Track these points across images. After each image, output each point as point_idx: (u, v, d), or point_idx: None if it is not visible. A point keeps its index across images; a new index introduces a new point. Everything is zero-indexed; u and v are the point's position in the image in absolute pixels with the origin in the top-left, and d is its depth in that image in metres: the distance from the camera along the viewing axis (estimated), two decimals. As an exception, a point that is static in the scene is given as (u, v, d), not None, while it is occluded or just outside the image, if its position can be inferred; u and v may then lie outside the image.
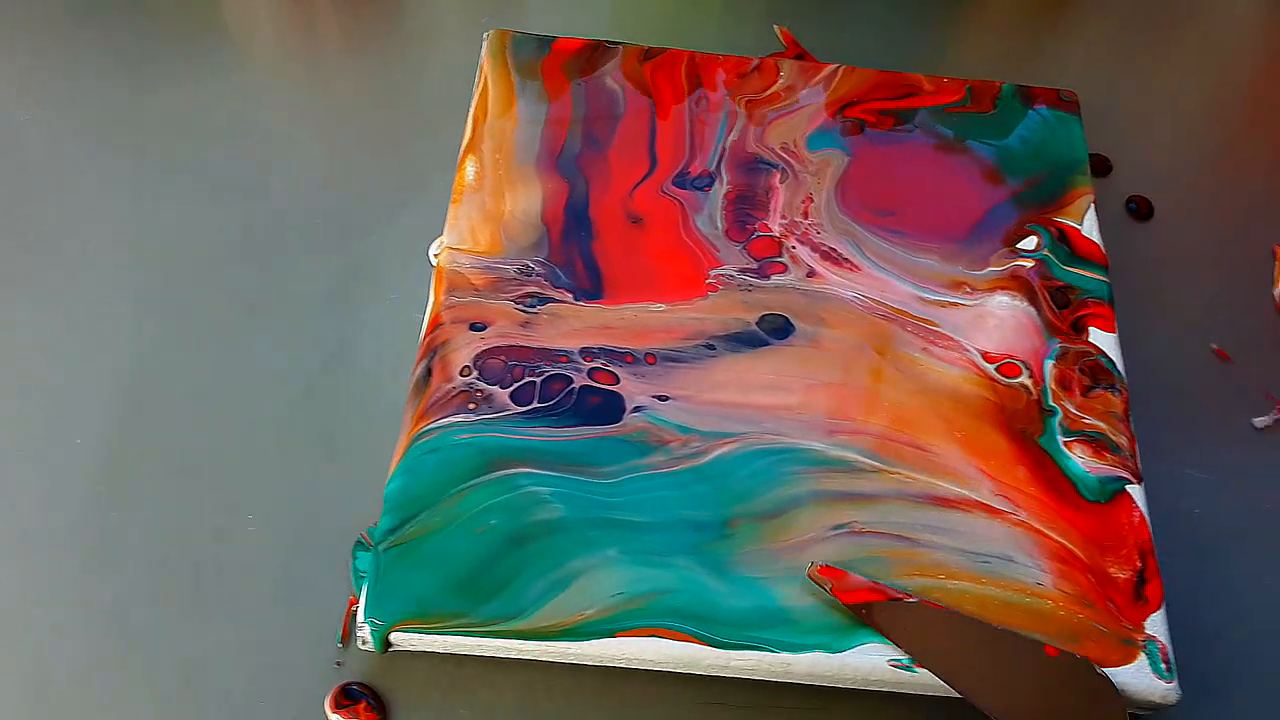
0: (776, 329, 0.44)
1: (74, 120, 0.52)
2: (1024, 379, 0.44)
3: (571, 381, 0.43)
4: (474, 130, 0.49)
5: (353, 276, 0.48)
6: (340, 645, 0.40)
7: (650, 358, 0.43)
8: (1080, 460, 0.42)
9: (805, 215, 0.47)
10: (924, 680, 0.38)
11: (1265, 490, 0.45)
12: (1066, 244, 0.47)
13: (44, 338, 0.46)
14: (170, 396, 0.45)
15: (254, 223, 0.50)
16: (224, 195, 0.50)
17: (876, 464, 0.41)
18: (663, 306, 0.45)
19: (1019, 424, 0.43)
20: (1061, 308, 0.45)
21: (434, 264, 0.47)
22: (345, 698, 0.38)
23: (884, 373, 0.43)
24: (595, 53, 0.52)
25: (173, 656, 0.39)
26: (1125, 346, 0.45)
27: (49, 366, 0.45)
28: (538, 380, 0.43)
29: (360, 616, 0.38)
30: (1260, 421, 0.47)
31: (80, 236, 0.49)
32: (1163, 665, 0.38)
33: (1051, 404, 0.43)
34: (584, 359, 0.43)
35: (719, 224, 0.47)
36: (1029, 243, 0.47)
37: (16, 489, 0.42)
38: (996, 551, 0.40)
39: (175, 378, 0.45)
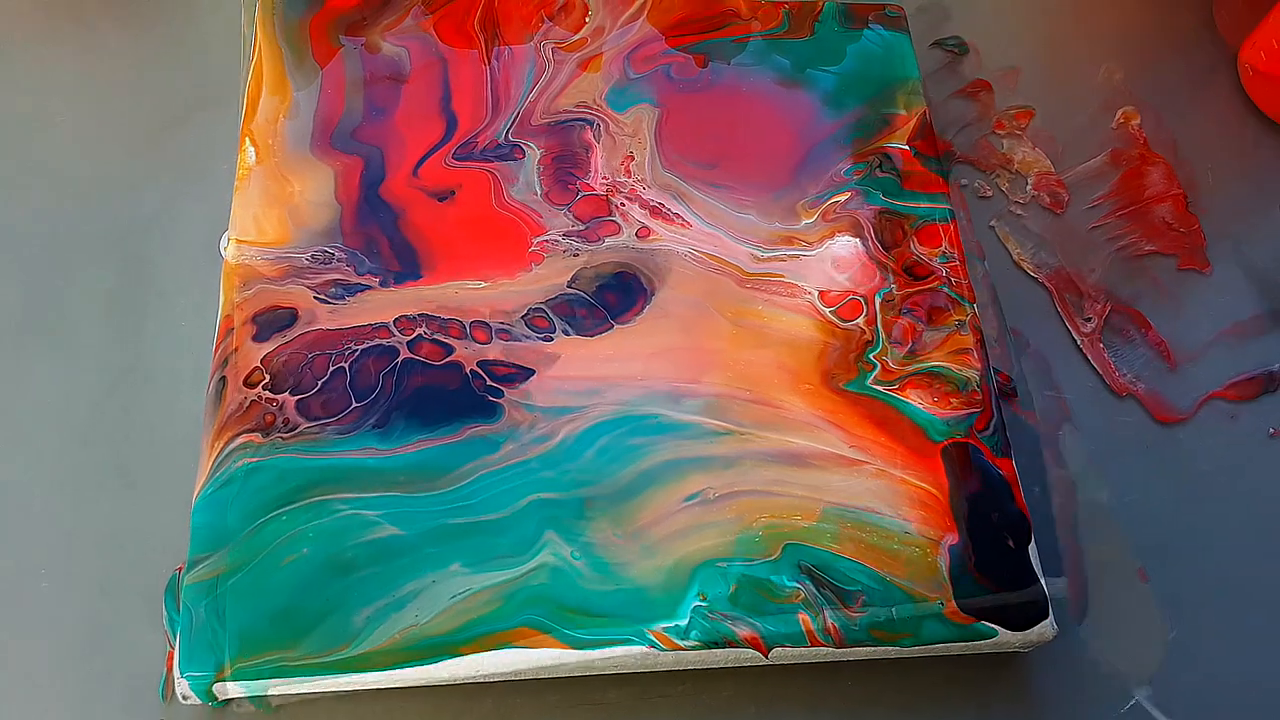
0: (613, 294, 0.41)
1: None
2: (861, 320, 0.42)
3: (395, 355, 0.39)
4: (249, 107, 0.44)
5: (135, 282, 0.43)
6: (164, 702, 0.36)
7: (479, 332, 0.40)
8: (922, 404, 0.40)
9: (628, 174, 0.44)
10: (802, 652, 0.36)
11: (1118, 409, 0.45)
12: (895, 171, 0.46)
13: None
14: (-68, 445, 0.39)
15: (9, 229, 0.44)
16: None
17: (726, 424, 0.39)
18: (484, 283, 0.41)
19: (857, 371, 0.41)
20: (891, 246, 0.43)
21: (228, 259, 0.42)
22: (177, 762, 0.35)
23: (724, 330, 0.41)
24: (373, 7, 0.47)
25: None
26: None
27: None
28: (347, 365, 0.39)
29: (176, 670, 0.34)
30: (1086, 327, 0.46)
31: None
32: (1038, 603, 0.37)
33: (886, 346, 0.41)
34: (402, 332, 0.39)
35: (537, 188, 0.44)
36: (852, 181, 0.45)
37: None
38: (859, 504, 0.38)
39: (-65, 423, 0.40)
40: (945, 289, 0.42)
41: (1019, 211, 0.49)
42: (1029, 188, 0.50)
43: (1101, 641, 0.39)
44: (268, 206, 0.42)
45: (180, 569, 0.37)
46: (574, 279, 0.42)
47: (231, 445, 0.37)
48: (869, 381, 0.40)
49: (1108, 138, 0.51)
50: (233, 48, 0.48)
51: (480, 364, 0.40)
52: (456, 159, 0.44)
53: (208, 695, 0.34)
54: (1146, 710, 0.38)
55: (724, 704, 0.37)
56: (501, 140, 0.45)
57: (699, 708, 0.37)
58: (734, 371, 0.40)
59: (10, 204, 0.44)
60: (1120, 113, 0.52)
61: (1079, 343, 0.46)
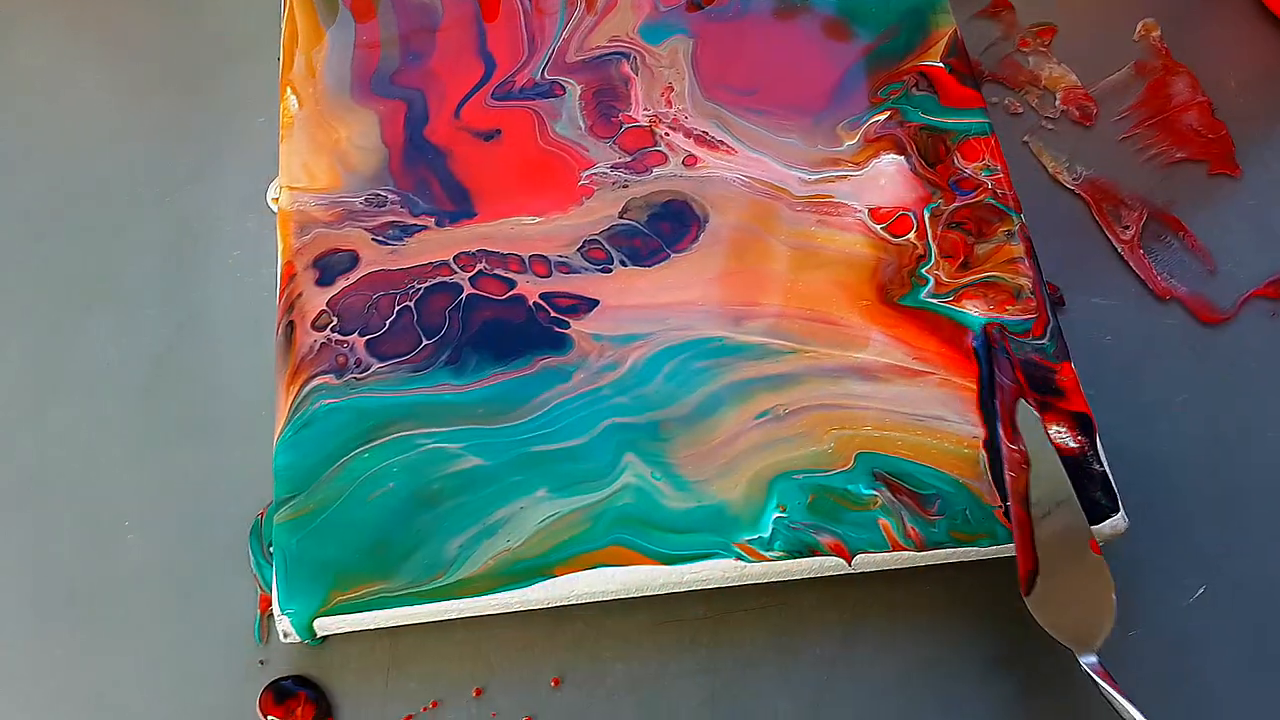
0: (666, 223, 0.42)
1: None
2: (912, 235, 0.42)
3: (459, 292, 0.39)
4: (287, 57, 0.44)
5: (183, 236, 0.43)
6: (260, 643, 0.36)
7: (539, 265, 0.40)
8: (979, 312, 0.41)
9: (669, 104, 0.45)
10: (884, 558, 0.37)
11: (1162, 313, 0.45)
12: (932, 89, 0.46)
13: None
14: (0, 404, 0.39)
15: (54, 195, 0.43)
16: (12, 165, 0.44)
17: (790, 344, 0.40)
18: (538, 218, 0.42)
19: (911, 285, 0.41)
20: (935, 161, 0.44)
21: (274, 209, 0.42)
22: (278, 697, 0.35)
23: (779, 252, 0.41)
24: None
25: (75, 693, 0.35)
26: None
27: None
28: (413, 304, 0.39)
29: (277, 607, 0.34)
30: (1125, 234, 0.47)
31: None
32: (1107, 499, 0.37)
33: (938, 259, 0.42)
34: (463, 269, 0.40)
35: (581, 123, 0.44)
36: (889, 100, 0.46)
37: None
38: (927, 411, 0.39)
39: (1, 383, 0.40)
40: (991, 201, 0.43)
41: (1050, 126, 0.50)
42: (1057, 103, 0.50)
43: (1166, 538, 0.40)
44: (316, 153, 0.42)
45: (262, 513, 0.37)
46: (625, 210, 0.42)
47: (307, 388, 0.37)
48: (923, 295, 0.41)
49: (1130, 50, 0.52)
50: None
51: (543, 296, 0.40)
52: (496, 99, 0.44)
53: (308, 631, 0.34)
54: (1210, 603, 0.39)
55: (807, 614, 0.38)
56: (539, 79, 0.45)
57: (784, 619, 0.38)
58: (791, 292, 0.41)
59: (52, 165, 0.44)
60: (1140, 25, 0.52)
61: (1119, 250, 0.46)
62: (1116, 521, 0.37)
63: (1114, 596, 0.36)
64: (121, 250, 0.42)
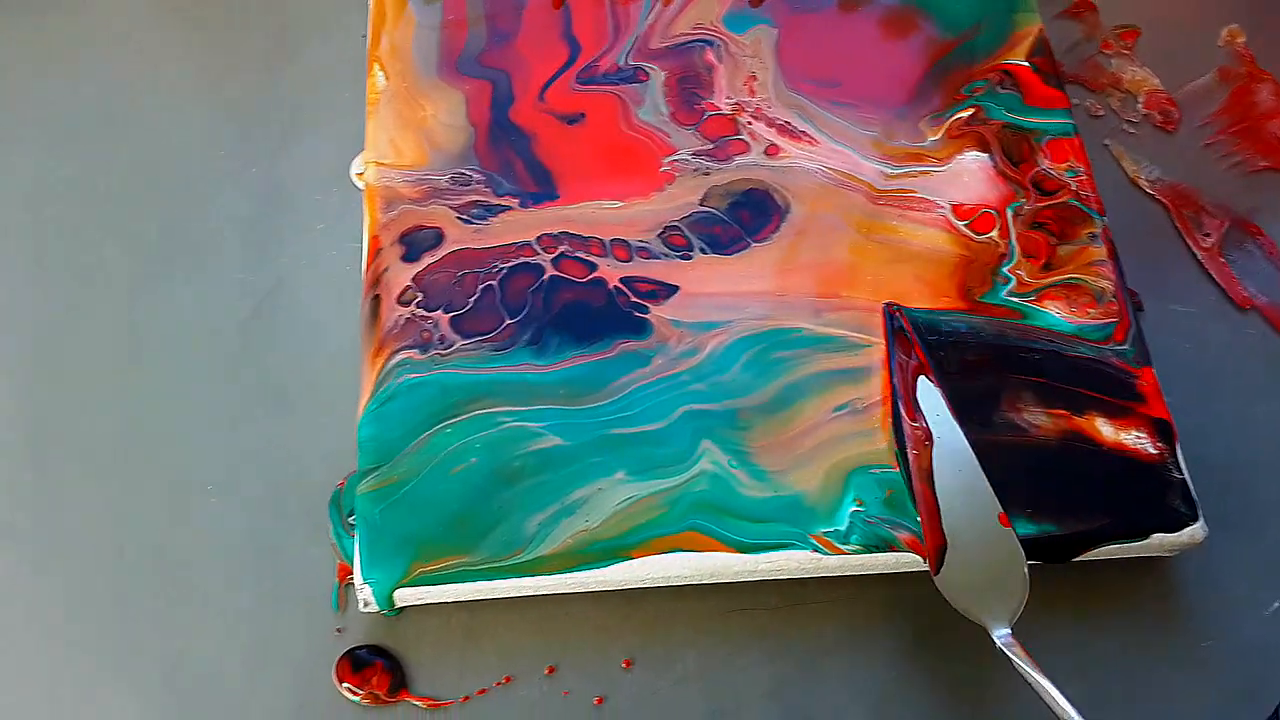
0: (746, 212, 0.42)
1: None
2: (994, 234, 0.42)
3: (541, 273, 0.39)
4: (374, 33, 0.45)
5: (267, 208, 0.43)
6: (337, 611, 0.36)
7: (619, 250, 0.40)
8: (1060, 314, 0.40)
9: (752, 94, 0.45)
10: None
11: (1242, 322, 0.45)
12: (1016, 88, 0.46)
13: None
14: (86, 366, 0.40)
15: (143, 164, 0.44)
16: (99, 135, 0.45)
17: (870, 337, 0.40)
18: (619, 203, 0.42)
19: (992, 283, 0.41)
20: (1019, 160, 0.44)
21: (358, 185, 0.43)
22: (355, 665, 0.35)
23: (860, 245, 0.41)
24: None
25: (150, 652, 0.35)
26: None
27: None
28: (496, 283, 0.39)
29: (358, 577, 0.34)
30: (1206, 241, 0.46)
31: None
32: (1186, 507, 0.37)
33: (1020, 259, 0.41)
34: (546, 250, 0.40)
35: (664, 110, 0.44)
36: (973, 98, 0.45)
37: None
38: (1007, 410, 0.38)
39: (88, 345, 0.40)
40: (1075, 202, 0.43)
41: (1131, 130, 0.49)
42: (1140, 106, 0.50)
43: (1243, 548, 0.39)
44: (402, 130, 0.42)
45: (342, 484, 0.38)
46: (706, 197, 0.42)
47: (392, 362, 0.37)
48: (1004, 294, 0.41)
49: (1214, 56, 0.51)
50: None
51: (623, 280, 0.40)
52: (580, 83, 0.44)
53: (388, 602, 0.35)
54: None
55: (877, 610, 0.38)
56: (623, 64, 0.45)
57: (854, 614, 0.38)
58: (872, 285, 0.41)
59: (140, 134, 0.45)
60: (1225, 30, 0.52)
61: (1199, 257, 0.46)
62: (1195, 530, 0.37)
63: (1025, 569, 0.35)
64: (208, 219, 0.43)
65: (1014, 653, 0.34)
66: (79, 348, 0.40)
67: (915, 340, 0.39)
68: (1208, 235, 0.47)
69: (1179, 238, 0.46)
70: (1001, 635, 0.34)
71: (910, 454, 0.37)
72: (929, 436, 0.37)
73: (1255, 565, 0.39)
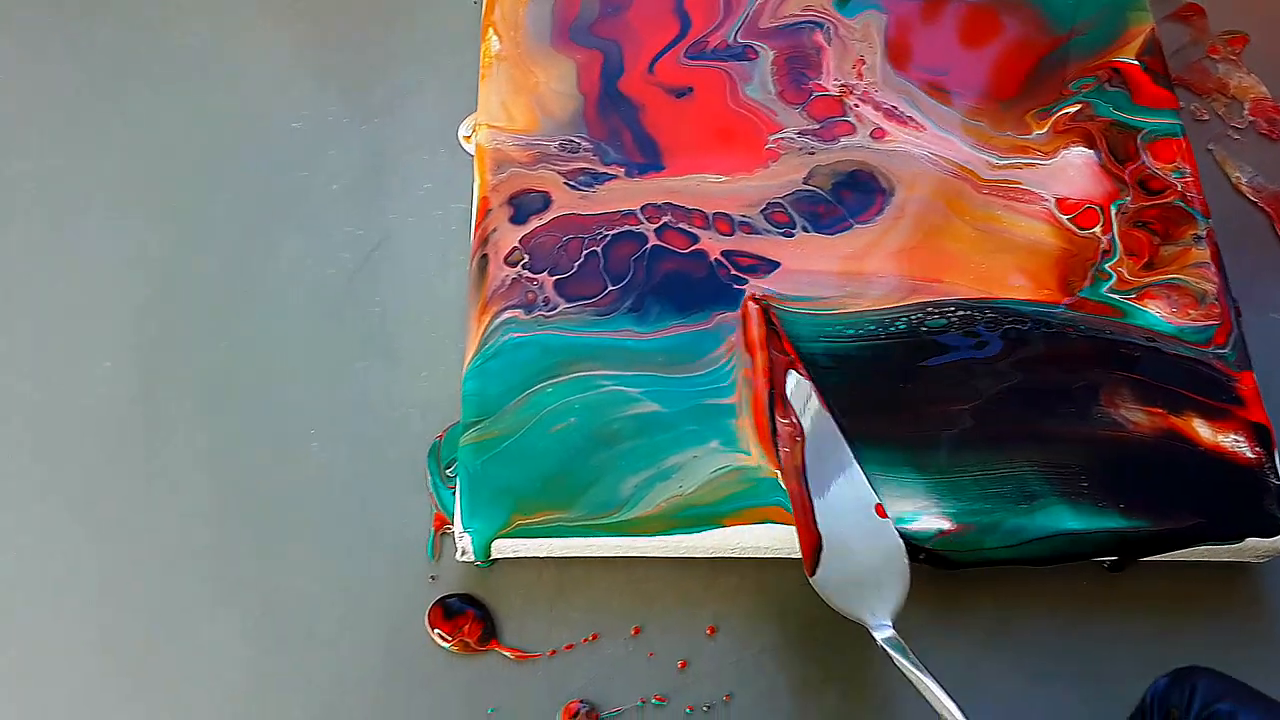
0: (850, 193, 0.42)
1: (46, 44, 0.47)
2: (1097, 229, 0.42)
3: (644, 242, 0.40)
4: (489, 1, 0.45)
5: (378, 168, 0.44)
6: (431, 559, 0.37)
7: (722, 223, 0.41)
8: (1160, 314, 0.40)
9: (860, 77, 0.45)
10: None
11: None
12: (1125, 86, 0.45)
13: (54, 261, 0.42)
14: (197, 311, 0.41)
15: (255, 118, 0.45)
16: (214, 89, 0.46)
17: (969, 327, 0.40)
18: (724, 177, 0.42)
19: (1093, 278, 0.41)
20: (1125, 159, 0.43)
21: (464, 147, 0.43)
22: (447, 613, 0.36)
23: (963, 233, 0.41)
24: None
25: (249, 588, 0.36)
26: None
27: (65, 289, 0.41)
28: (600, 249, 0.40)
29: (458, 526, 0.35)
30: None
31: (78, 154, 0.44)
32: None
33: (1123, 256, 0.41)
34: (649, 220, 0.40)
35: (772, 88, 0.44)
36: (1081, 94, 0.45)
37: (48, 419, 0.39)
38: (1105, 405, 0.38)
39: (199, 290, 0.41)
40: (1180, 203, 0.42)
41: (1235, 136, 0.49)
42: (1245, 112, 0.49)
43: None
44: (515, 94, 0.43)
45: (441, 436, 0.39)
46: (810, 176, 0.42)
47: (498, 320, 0.38)
48: (1104, 290, 0.41)
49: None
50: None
51: (724, 253, 0.40)
52: (690, 57, 0.45)
53: (485, 552, 0.35)
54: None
55: (963, 592, 0.38)
56: (732, 41, 0.45)
57: (940, 594, 0.38)
58: (973, 273, 0.41)
59: (258, 92, 0.46)
60: (1337, 41, 0.51)
61: (1300, 267, 0.46)
62: (1291, 535, 0.37)
63: (905, 561, 0.35)
64: (318, 174, 0.44)
65: (897, 650, 0.33)
66: (194, 292, 0.41)
67: (783, 334, 0.38)
68: (1310, 245, 0.46)
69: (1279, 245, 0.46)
70: (884, 633, 0.33)
71: (781, 451, 0.36)
72: (800, 432, 0.36)
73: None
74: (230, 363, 0.40)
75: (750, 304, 0.38)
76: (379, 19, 0.48)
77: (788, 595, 0.37)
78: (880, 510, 0.36)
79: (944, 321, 0.39)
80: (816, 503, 0.36)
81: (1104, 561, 0.38)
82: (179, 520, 0.37)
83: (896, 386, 0.38)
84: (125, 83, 0.46)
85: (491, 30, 0.44)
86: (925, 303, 0.40)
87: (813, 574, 0.35)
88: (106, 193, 0.43)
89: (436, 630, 0.36)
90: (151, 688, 0.35)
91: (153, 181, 0.43)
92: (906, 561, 0.35)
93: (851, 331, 0.39)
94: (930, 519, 0.36)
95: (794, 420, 0.37)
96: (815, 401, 0.37)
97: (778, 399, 0.37)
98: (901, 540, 0.35)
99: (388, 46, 0.47)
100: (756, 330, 0.38)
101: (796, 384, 0.38)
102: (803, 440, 0.36)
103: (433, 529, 0.37)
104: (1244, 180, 0.48)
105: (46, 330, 0.40)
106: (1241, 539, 0.37)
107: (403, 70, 0.46)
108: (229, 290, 0.41)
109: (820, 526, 0.35)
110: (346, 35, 0.47)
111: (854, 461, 0.36)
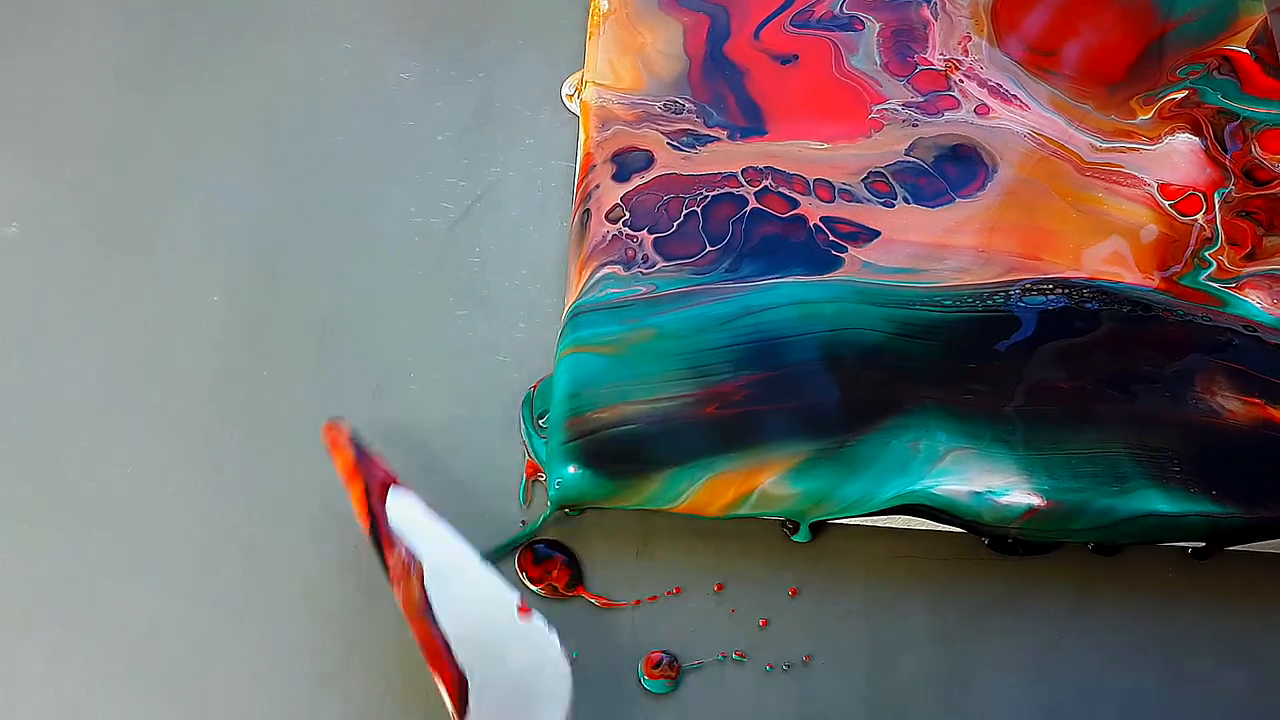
0: (952, 166, 0.42)
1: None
2: (1200, 217, 0.41)
3: (744, 204, 0.40)
4: (598, -40, 0.46)
5: (482, 122, 0.45)
6: (524, 505, 0.38)
7: (822, 190, 0.41)
8: (1261, 304, 0.40)
9: (965, 53, 0.44)
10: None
11: None
12: (1234, 74, 0.45)
13: (168, 198, 0.43)
14: (303, 251, 0.42)
15: (365, 72, 0.46)
16: (328, 41, 0.47)
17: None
18: (826, 145, 0.42)
19: (1193, 265, 0.41)
20: (1231, 147, 0.43)
21: (567, 105, 0.44)
22: (536, 558, 0.37)
23: (1064, 212, 0.41)
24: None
25: (342, 518, 0.37)
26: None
27: (175, 223, 0.43)
28: (699, 210, 0.40)
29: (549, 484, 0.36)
30: None
31: (198, 103, 0.45)
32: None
33: (1224, 245, 0.41)
34: (750, 183, 0.41)
35: (877, 59, 0.44)
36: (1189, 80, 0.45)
37: (158, 349, 0.40)
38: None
39: (306, 232, 0.42)
40: (1287, 194, 0.42)
41: (1344, 131, 0.48)
42: (1355, 108, 0.48)
43: None
44: (621, 54, 0.43)
45: (535, 386, 0.39)
46: (912, 147, 0.42)
47: (598, 275, 0.39)
48: (1203, 278, 0.40)
49: None
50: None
51: (824, 220, 0.40)
52: (795, 25, 0.45)
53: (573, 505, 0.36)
54: None
55: (1041, 574, 0.38)
56: (838, 12, 0.45)
57: (1019, 574, 0.38)
58: (1072, 254, 0.40)
59: (368, 46, 0.46)
60: None
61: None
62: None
63: (564, 666, 0.32)
64: (423, 127, 0.45)
65: None
66: (304, 236, 0.42)
67: (368, 452, 0.34)
68: None
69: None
70: None
71: (394, 590, 0.32)
72: (412, 560, 0.32)
73: None
74: (333, 302, 0.41)
75: (333, 430, 0.34)
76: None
77: (870, 561, 0.38)
78: (524, 608, 0.32)
79: (1041, 299, 0.39)
80: (451, 636, 0.32)
81: (1190, 548, 0.38)
82: (277, 449, 0.38)
83: (990, 361, 0.38)
84: (243, 34, 0.47)
85: (600, -10, 0.45)
86: (1023, 280, 0.40)
87: (463, 718, 0.31)
88: (224, 139, 0.44)
89: (526, 574, 0.36)
90: (242, 623, 0.36)
91: (268, 129, 0.45)
92: (567, 666, 0.32)
93: (950, 303, 0.39)
94: (1020, 494, 0.36)
95: (403, 550, 0.32)
96: (421, 511, 0.33)
97: (382, 534, 0.32)
98: (553, 634, 0.32)
99: (500, 3, 0.48)
100: (344, 457, 0.34)
101: (397, 501, 0.33)
102: (419, 569, 0.32)
103: (524, 475, 0.38)
104: (1350, 176, 0.47)
105: (160, 265, 0.42)
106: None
107: (509, 27, 0.47)
108: (337, 235, 0.42)
109: (461, 661, 0.31)
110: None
111: (478, 561, 0.33)
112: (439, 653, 0.31)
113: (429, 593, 0.32)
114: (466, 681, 0.31)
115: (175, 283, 0.41)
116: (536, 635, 0.32)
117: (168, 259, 0.42)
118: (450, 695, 0.31)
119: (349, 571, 0.36)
